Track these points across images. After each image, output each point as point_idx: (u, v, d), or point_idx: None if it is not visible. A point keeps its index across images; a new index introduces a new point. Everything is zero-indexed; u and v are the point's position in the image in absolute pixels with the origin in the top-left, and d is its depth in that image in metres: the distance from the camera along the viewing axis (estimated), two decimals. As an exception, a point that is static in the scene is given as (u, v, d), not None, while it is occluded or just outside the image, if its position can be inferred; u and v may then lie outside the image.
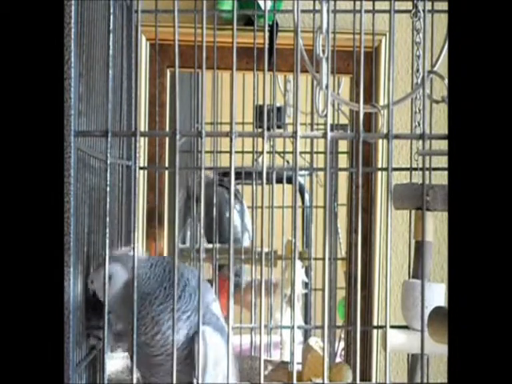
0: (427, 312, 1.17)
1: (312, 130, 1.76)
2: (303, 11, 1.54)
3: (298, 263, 2.20)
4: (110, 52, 1.05)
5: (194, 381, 1.26)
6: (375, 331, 1.83)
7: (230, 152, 1.04)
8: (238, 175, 1.95)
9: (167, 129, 1.84)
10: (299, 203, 2.38)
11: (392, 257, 1.84)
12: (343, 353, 2.03)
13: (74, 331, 1.09)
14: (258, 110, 1.98)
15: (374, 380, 1.85)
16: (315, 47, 1.15)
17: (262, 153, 1.05)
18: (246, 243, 2.37)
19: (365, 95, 1.23)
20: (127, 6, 1.56)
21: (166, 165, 1.86)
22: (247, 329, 1.86)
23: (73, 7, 1.04)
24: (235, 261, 2.12)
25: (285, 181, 2.07)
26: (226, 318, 1.12)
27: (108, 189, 1.06)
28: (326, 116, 1.04)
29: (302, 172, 2.19)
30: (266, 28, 1.10)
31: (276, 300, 2.05)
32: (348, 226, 1.92)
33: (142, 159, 1.80)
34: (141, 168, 1.78)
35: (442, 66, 1.34)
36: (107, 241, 1.06)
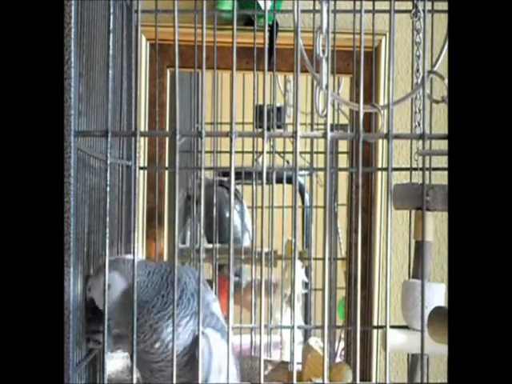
0: (427, 312, 1.17)
1: (312, 130, 1.76)
2: (303, 11, 1.55)
3: (298, 263, 2.20)
4: (110, 52, 1.05)
5: None
6: (375, 331, 1.83)
7: (230, 152, 1.03)
8: (238, 175, 1.95)
9: (167, 129, 1.84)
10: (299, 203, 2.38)
11: (392, 257, 1.84)
12: (343, 353, 2.03)
13: (74, 331, 1.10)
14: (258, 110, 1.98)
15: (374, 380, 1.85)
16: (315, 47, 1.15)
17: (262, 153, 1.05)
18: (246, 243, 2.37)
19: (365, 95, 1.23)
20: (127, 5, 1.56)
21: (166, 165, 1.86)
22: (247, 329, 1.86)
23: (73, 7, 1.04)
24: (235, 261, 2.12)
25: (285, 181, 2.07)
26: (226, 318, 1.12)
27: (108, 189, 1.06)
28: (325, 116, 1.04)
29: (302, 172, 2.19)
30: (266, 28, 1.10)
31: (276, 300, 2.05)
32: (348, 226, 1.92)
33: (142, 159, 1.80)
34: (141, 168, 1.78)
35: (442, 66, 1.34)
36: (107, 241, 1.06)
